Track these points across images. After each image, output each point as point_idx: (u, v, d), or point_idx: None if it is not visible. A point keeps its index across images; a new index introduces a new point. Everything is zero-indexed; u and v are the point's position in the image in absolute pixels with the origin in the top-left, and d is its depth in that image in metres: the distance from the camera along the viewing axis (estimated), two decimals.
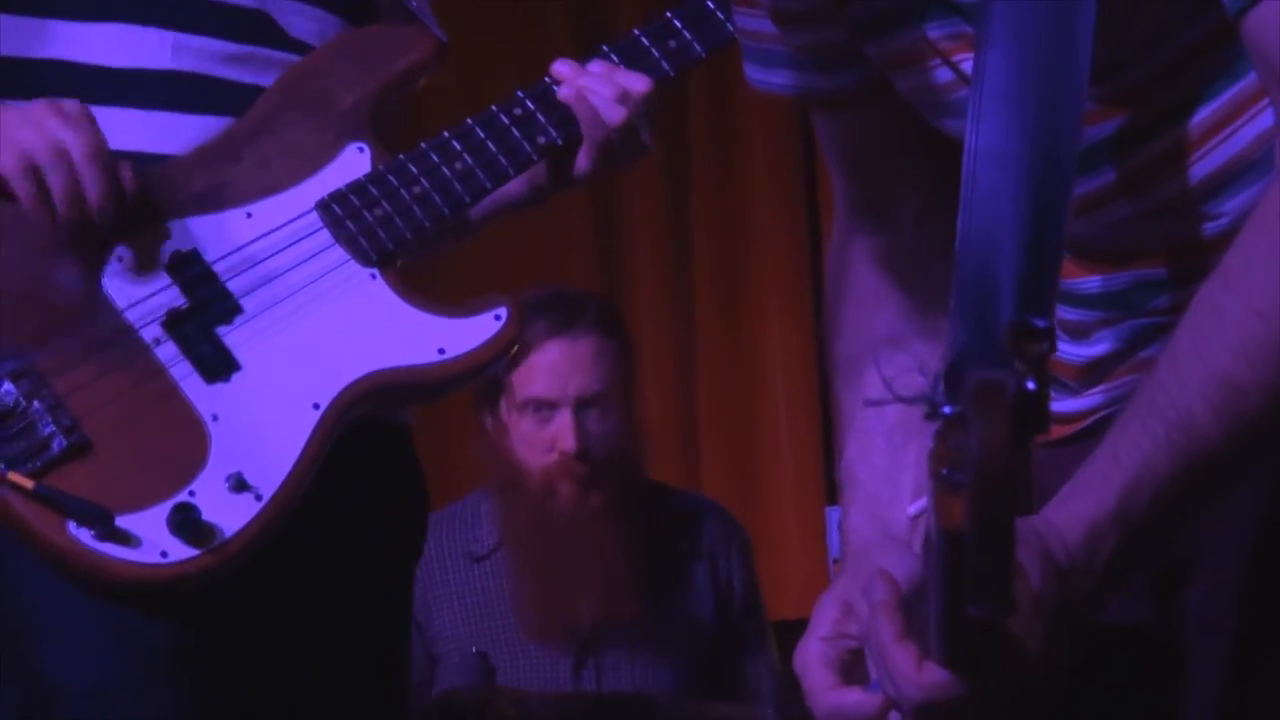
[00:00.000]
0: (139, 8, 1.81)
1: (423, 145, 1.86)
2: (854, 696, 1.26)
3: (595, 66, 1.92)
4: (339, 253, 1.82)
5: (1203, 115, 1.28)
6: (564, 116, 1.90)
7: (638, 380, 3.15)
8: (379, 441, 1.87)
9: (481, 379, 1.95)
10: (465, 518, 3.07)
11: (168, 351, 1.76)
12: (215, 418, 1.74)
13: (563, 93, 1.90)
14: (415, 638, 2.80)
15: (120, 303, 1.76)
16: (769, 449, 4.07)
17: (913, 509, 1.36)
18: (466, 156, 1.86)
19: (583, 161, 1.91)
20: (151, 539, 1.68)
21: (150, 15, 1.81)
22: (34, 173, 1.69)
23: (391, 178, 1.84)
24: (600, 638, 2.97)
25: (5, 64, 1.80)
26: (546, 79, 1.92)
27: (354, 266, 1.82)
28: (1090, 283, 1.35)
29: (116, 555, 1.67)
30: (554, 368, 2.97)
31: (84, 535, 1.67)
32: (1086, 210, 1.31)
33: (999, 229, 1.19)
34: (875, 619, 1.21)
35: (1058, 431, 1.35)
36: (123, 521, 1.68)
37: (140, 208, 1.76)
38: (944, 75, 1.33)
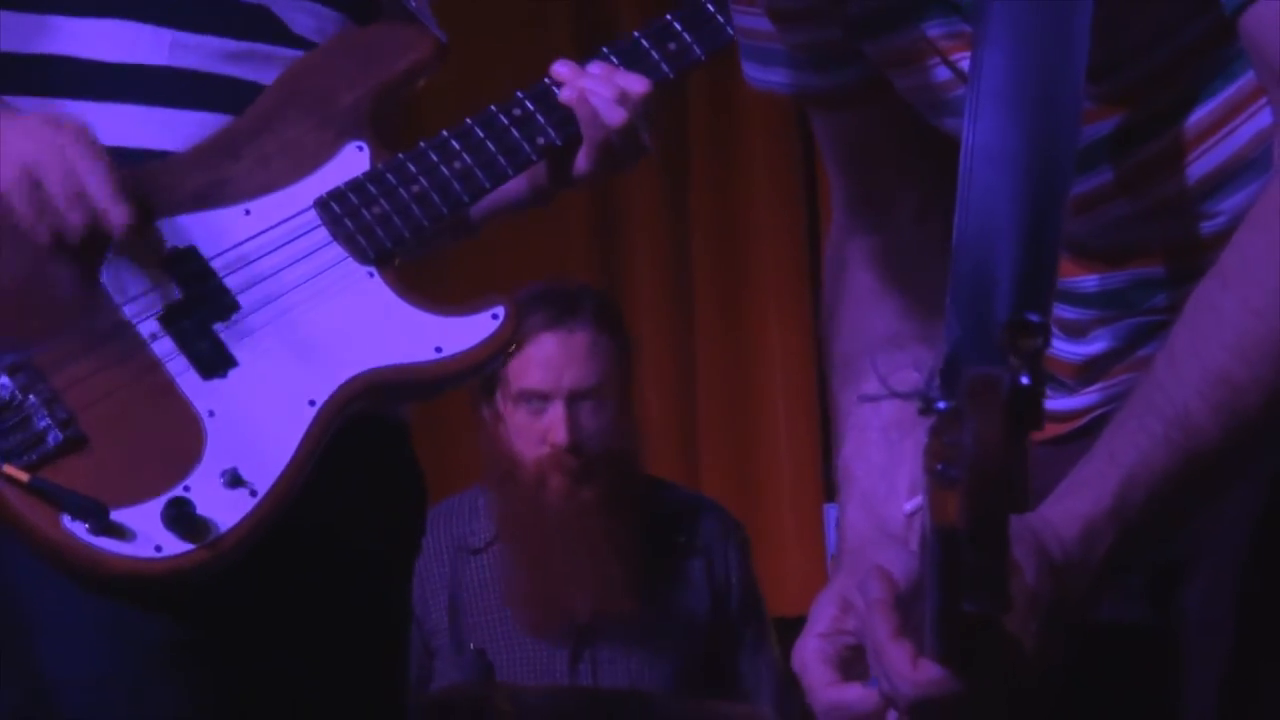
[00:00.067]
0: (138, 4, 1.81)
1: (422, 144, 1.86)
2: (853, 692, 1.26)
3: (595, 68, 1.93)
4: (337, 250, 1.82)
5: (1201, 114, 1.28)
6: (563, 117, 1.90)
7: (636, 378, 3.15)
8: (377, 438, 1.87)
9: (478, 377, 1.94)
10: (463, 512, 3.07)
11: (164, 347, 1.76)
12: (211, 413, 1.74)
13: (563, 94, 1.90)
14: (413, 631, 2.80)
15: (118, 298, 1.76)
16: (768, 447, 4.07)
17: (909, 505, 1.36)
18: (465, 156, 1.87)
19: (582, 162, 1.92)
20: (146, 533, 1.68)
21: (149, 12, 1.81)
22: (35, 192, 1.69)
23: (390, 176, 1.84)
24: (597, 632, 2.97)
25: (5, 59, 1.80)
26: (546, 80, 1.92)
27: (351, 264, 1.82)
28: (1088, 281, 1.35)
29: (111, 549, 1.67)
30: (548, 360, 2.97)
31: (78, 529, 1.67)
32: (1084, 209, 1.31)
33: (996, 227, 1.20)
34: (870, 616, 1.21)
35: (1055, 430, 1.35)
36: (117, 515, 1.68)
37: (139, 205, 1.76)
38: (942, 74, 1.33)
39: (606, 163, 1.91)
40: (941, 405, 1.06)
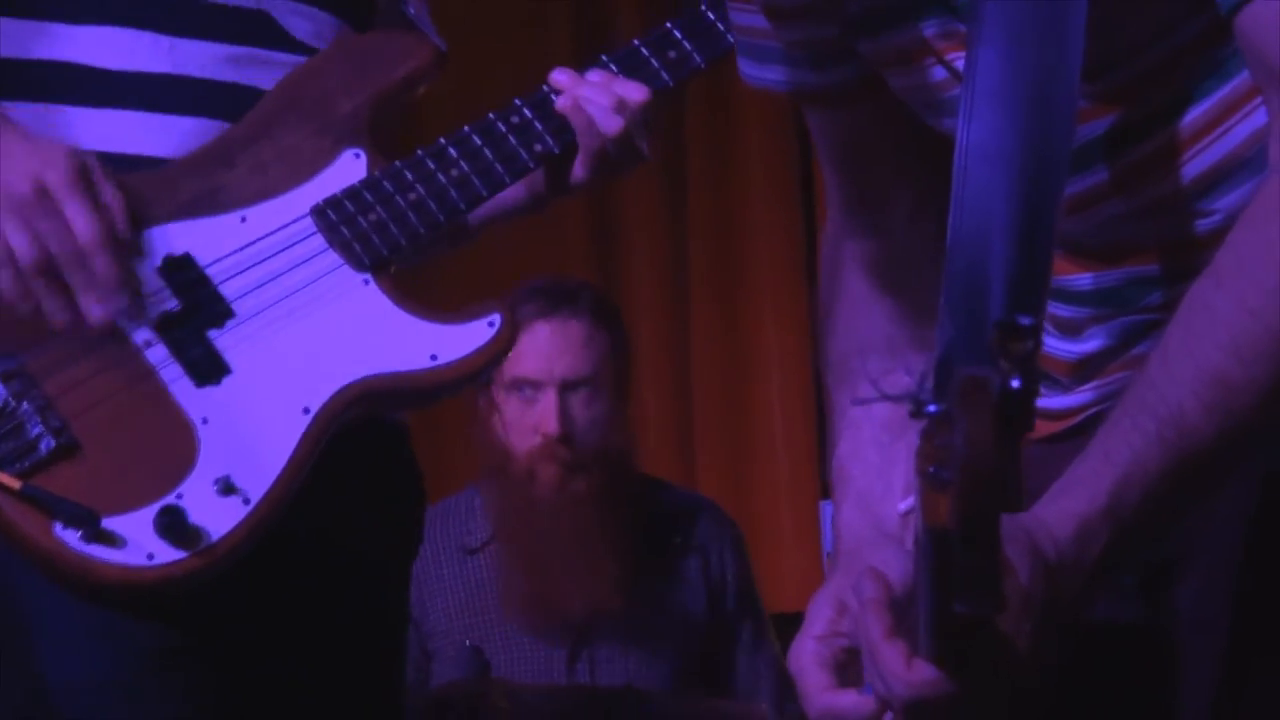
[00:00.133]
0: (136, 11, 1.81)
1: (419, 152, 1.86)
2: (848, 699, 1.26)
3: (593, 76, 1.92)
4: (333, 258, 1.82)
5: (1196, 113, 1.28)
6: (561, 125, 1.89)
7: (632, 377, 3.14)
8: (376, 440, 1.86)
9: (474, 385, 1.94)
10: (459, 512, 3.07)
11: (158, 354, 1.75)
12: (205, 421, 1.74)
13: (560, 102, 1.90)
14: (410, 633, 2.79)
15: None
16: (764, 445, 4.07)
17: (904, 505, 1.35)
18: (463, 164, 1.86)
19: (579, 170, 1.91)
20: (138, 541, 1.67)
21: (147, 19, 1.81)
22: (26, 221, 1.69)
23: (387, 184, 1.84)
24: (594, 632, 2.97)
25: (4, 65, 1.80)
26: (544, 87, 1.91)
27: (347, 271, 1.81)
28: (1082, 280, 1.34)
29: (102, 557, 1.66)
30: (541, 348, 2.97)
31: (70, 537, 1.66)
32: (1079, 208, 1.30)
33: (990, 226, 1.19)
34: (865, 616, 1.20)
35: (1049, 428, 1.35)
36: (109, 523, 1.67)
37: (133, 213, 1.75)
38: (938, 73, 1.33)
39: (603, 171, 1.91)
40: (932, 408, 1.05)
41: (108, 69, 1.80)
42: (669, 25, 1.96)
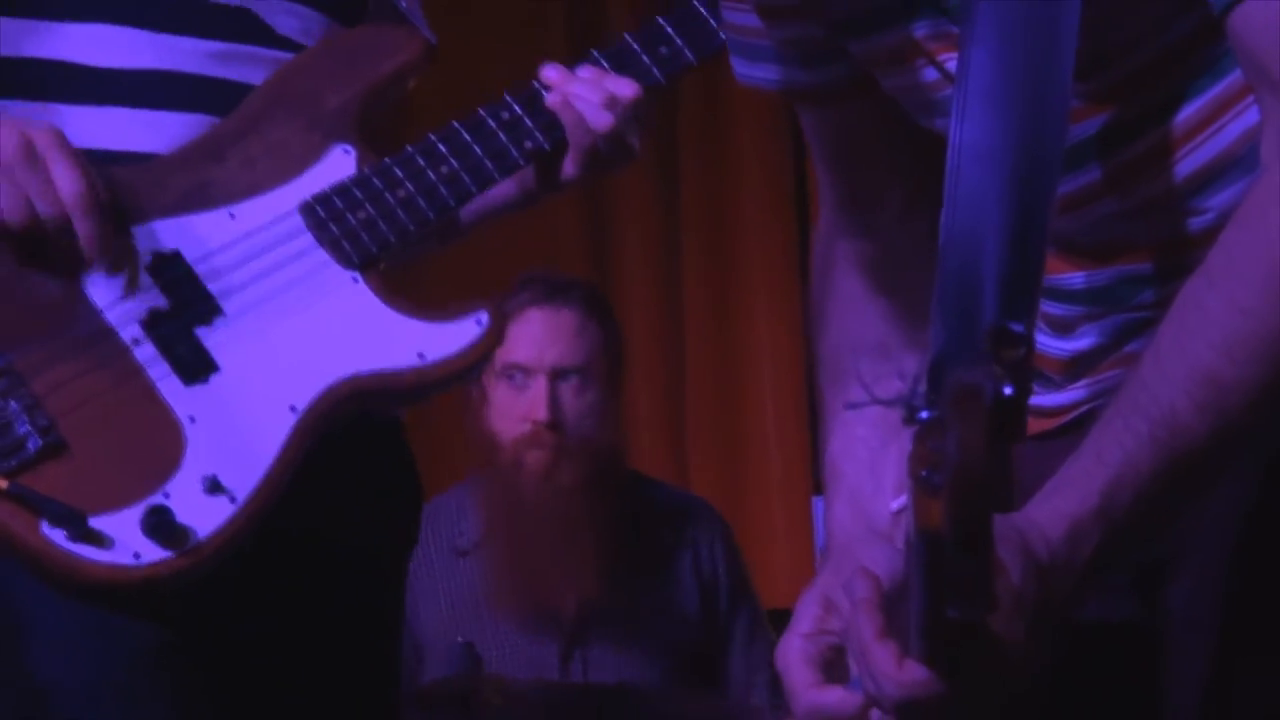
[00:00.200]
0: (124, 8, 1.81)
1: (409, 149, 1.85)
2: (834, 695, 1.25)
3: (584, 72, 1.91)
4: (321, 255, 1.81)
5: (1188, 112, 1.27)
6: (551, 121, 1.89)
7: (624, 373, 3.14)
8: (370, 436, 1.85)
9: (462, 383, 1.94)
10: (450, 511, 3.07)
11: (146, 352, 1.74)
12: (192, 419, 1.73)
13: (550, 99, 1.89)
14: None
15: (99, 303, 1.75)
16: (757, 441, 4.08)
17: (895, 504, 1.35)
18: (452, 160, 1.85)
19: (570, 167, 1.90)
20: (125, 540, 1.66)
21: (134, 15, 1.80)
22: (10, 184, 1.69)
23: (376, 180, 1.83)
24: (586, 630, 2.96)
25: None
26: (535, 83, 1.91)
27: (336, 269, 1.80)
28: (1074, 278, 1.34)
29: (89, 556, 1.65)
30: (533, 335, 2.97)
31: (57, 535, 1.65)
32: (1072, 207, 1.30)
33: (982, 227, 1.19)
34: (856, 616, 1.20)
35: (1041, 425, 1.35)
36: (96, 522, 1.66)
37: (120, 210, 1.75)
38: (929, 74, 1.32)
39: (593, 167, 1.90)
40: (925, 414, 1.05)
41: (97, 66, 1.79)
42: (661, 21, 1.95)
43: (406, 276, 1.88)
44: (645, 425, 3.95)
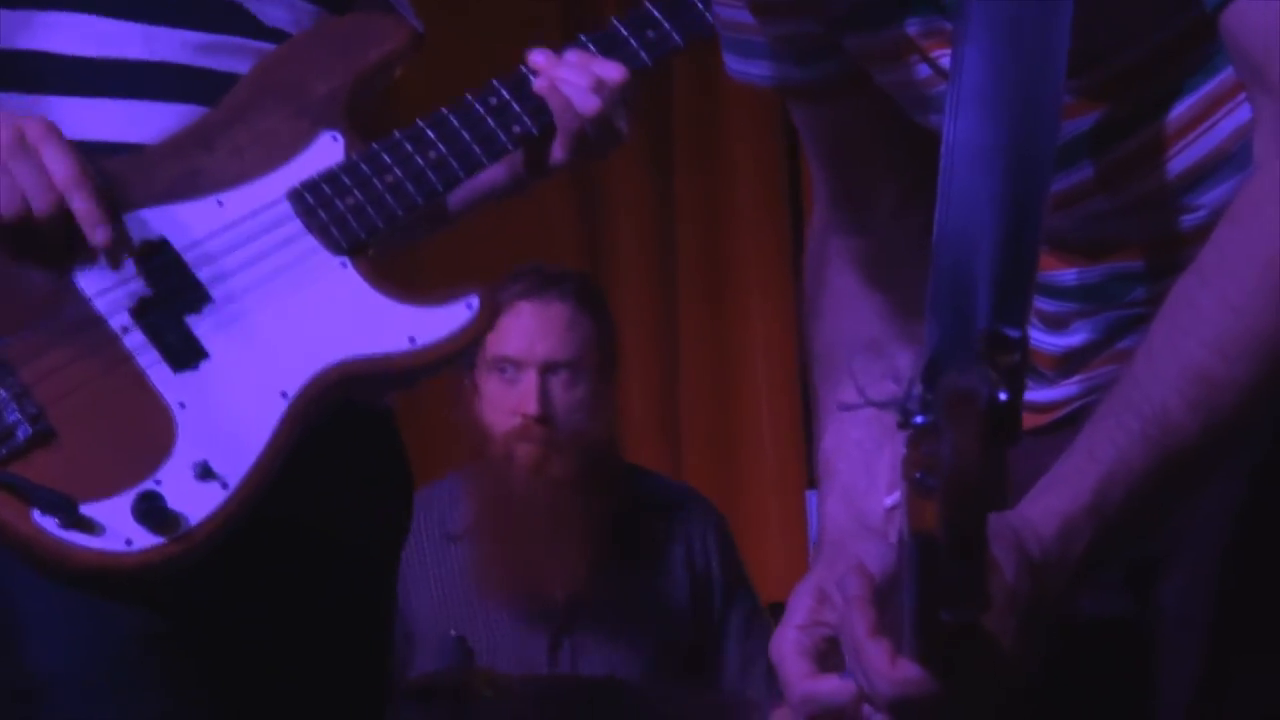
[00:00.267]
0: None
1: (396, 134, 1.85)
2: (828, 684, 1.26)
3: (571, 56, 1.91)
4: (310, 241, 1.81)
5: (1181, 109, 1.28)
6: (538, 106, 1.88)
7: (618, 365, 3.13)
8: (361, 425, 1.85)
9: (453, 367, 1.94)
10: (442, 499, 3.06)
11: (135, 340, 1.74)
12: (182, 405, 1.73)
13: (537, 83, 1.89)
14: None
15: (88, 291, 1.75)
16: (751, 434, 4.08)
17: (889, 500, 1.36)
18: (440, 146, 1.85)
19: (558, 151, 1.90)
20: (116, 527, 1.66)
21: (123, 7, 1.80)
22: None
23: (364, 166, 1.83)
24: (576, 620, 2.97)
25: None
26: (522, 68, 1.90)
27: (324, 255, 1.80)
28: (1066, 275, 1.34)
29: (81, 543, 1.66)
30: (523, 328, 2.96)
31: (48, 524, 1.66)
32: (1064, 204, 1.30)
33: (976, 226, 1.19)
34: (849, 613, 1.20)
35: (1034, 421, 1.35)
36: (87, 509, 1.66)
37: (110, 198, 1.74)
38: (922, 71, 1.32)
39: (581, 151, 1.90)
40: (919, 419, 1.06)
41: (85, 57, 1.79)
42: (648, 4, 1.95)
43: (398, 266, 1.88)
44: (639, 418, 3.95)
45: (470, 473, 3.03)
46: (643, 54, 1.93)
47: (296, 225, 1.81)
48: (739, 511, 3.70)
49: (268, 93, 1.83)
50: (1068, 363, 1.36)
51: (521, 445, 2.95)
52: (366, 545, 1.89)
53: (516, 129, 1.88)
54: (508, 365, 2.97)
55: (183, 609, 1.72)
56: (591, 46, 1.93)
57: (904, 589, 1.13)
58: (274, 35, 1.84)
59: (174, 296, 1.76)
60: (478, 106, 1.87)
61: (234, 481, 1.70)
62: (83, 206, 1.70)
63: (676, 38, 1.94)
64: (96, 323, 1.73)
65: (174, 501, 1.68)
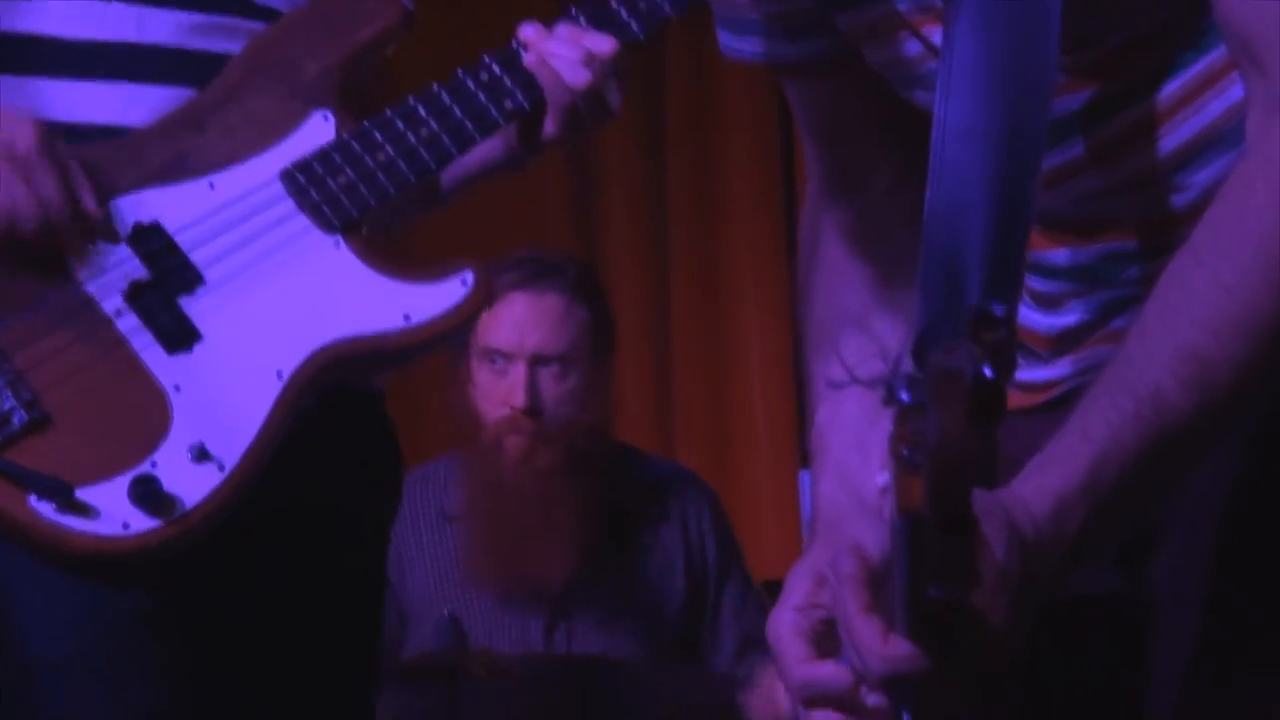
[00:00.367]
0: None
1: (388, 112, 1.84)
2: (826, 669, 1.26)
3: (561, 30, 1.90)
4: (302, 221, 1.80)
5: (1173, 87, 1.27)
6: (529, 80, 1.88)
7: (614, 353, 3.10)
8: (351, 406, 1.85)
9: (448, 344, 1.94)
10: (439, 479, 3.06)
11: (129, 323, 1.74)
12: (177, 388, 1.73)
13: (528, 58, 1.88)
14: (387, 598, 2.79)
15: (81, 276, 1.75)
16: (744, 415, 4.08)
17: (881, 479, 1.35)
18: (432, 122, 1.85)
19: (550, 126, 1.90)
20: (113, 511, 1.67)
21: None
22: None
23: (356, 145, 1.82)
24: (571, 602, 2.96)
25: None
26: (514, 43, 1.90)
27: (317, 234, 1.80)
28: (1058, 255, 1.34)
29: (77, 527, 1.66)
30: (514, 320, 2.95)
31: (45, 508, 1.66)
32: (1055, 182, 1.30)
33: (967, 204, 1.19)
34: (842, 592, 1.21)
35: (1028, 400, 1.35)
36: (83, 494, 1.66)
37: (100, 183, 1.74)
38: (913, 48, 1.32)
39: (573, 125, 1.89)
40: (905, 397, 1.05)
41: (76, 39, 1.79)
42: None
43: (391, 247, 1.88)
44: (632, 400, 3.94)
45: (463, 456, 3.03)
46: (633, 25, 1.92)
47: (289, 205, 1.80)
48: (731, 491, 3.70)
49: (259, 73, 1.82)
50: (1062, 342, 1.36)
51: (510, 436, 2.94)
52: (357, 526, 1.89)
53: (508, 104, 1.87)
54: (498, 357, 2.95)
55: (175, 590, 1.73)
56: (582, 19, 1.92)
57: (894, 567, 1.14)
58: (265, 14, 1.84)
59: (167, 279, 1.76)
60: (469, 82, 1.87)
61: (230, 463, 1.71)
62: (63, 194, 1.69)
63: (667, 8, 1.93)
64: (90, 307, 1.73)
65: (170, 484, 1.68)
